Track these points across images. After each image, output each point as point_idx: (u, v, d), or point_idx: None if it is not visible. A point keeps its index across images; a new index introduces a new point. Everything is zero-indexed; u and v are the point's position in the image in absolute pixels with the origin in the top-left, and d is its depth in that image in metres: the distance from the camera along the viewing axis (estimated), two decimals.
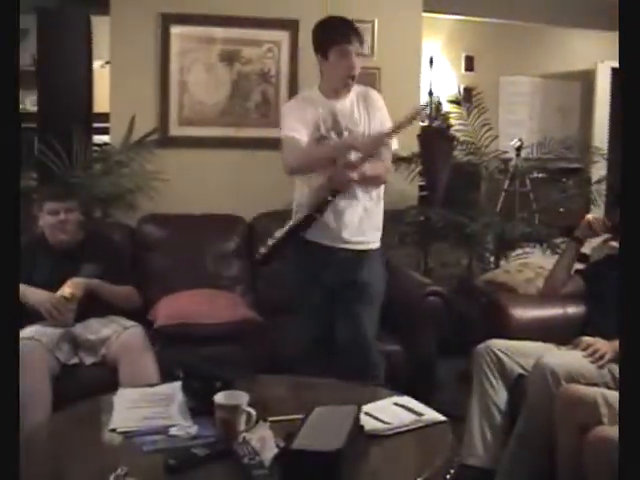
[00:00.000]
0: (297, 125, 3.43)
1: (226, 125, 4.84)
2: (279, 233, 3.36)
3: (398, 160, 4.79)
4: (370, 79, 4.96)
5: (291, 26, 4.85)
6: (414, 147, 4.81)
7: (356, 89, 3.51)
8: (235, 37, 4.83)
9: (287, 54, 4.88)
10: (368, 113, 3.50)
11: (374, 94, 3.57)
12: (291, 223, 3.39)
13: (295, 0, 4.88)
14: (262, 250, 3.38)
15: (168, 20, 4.71)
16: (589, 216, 3.66)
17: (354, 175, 3.29)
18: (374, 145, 3.36)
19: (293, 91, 4.86)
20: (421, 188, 5.11)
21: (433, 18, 6.74)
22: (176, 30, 4.75)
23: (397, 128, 3.30)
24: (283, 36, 4.87)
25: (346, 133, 3.44)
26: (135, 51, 4.74)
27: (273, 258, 3.39)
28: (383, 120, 3.50)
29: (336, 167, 3.30)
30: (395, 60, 5.00)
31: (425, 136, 4.83)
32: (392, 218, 4.29)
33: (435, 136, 4.92)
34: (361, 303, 3.44)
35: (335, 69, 3.44)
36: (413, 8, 5.07)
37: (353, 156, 3.32)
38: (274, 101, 4.88)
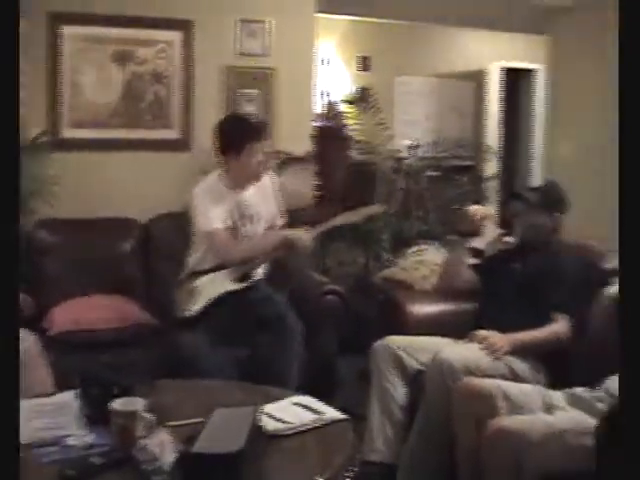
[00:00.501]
0: (216, 217, 3.68)
1: (119, 126, 4.75)
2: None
3: (292, 160, 4.81)
4: (265, 79, 4.96)
5: (185, 26, 4.80)
6: (308, 147, 4.83)
7: None
8: (128, 37, 4.74)
9: (180, 54, 4.81)
10: (265, 200, 3.87)
11: (268, 181, 3.87)
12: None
13: (190, 0, 4.82)
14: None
15: (57, 19, 4.59)
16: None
17: None
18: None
19: (188, 92, 4.81)
20: (316, 188, 5.12)
21: (327, 19, 6.78)
22: (66, 30, 4.62)
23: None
24: (176, 36, 4.81)
25: (249, 223, 3.79)
26: (24, 52, 4.59)
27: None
28: (275, 204, 3.90)
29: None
30: (290, 60, 5.01)
31: (319, 136, 4.85)
32: (289, 218, 4.30)
33: (329, 136, 4.95)
34: None
35: (247, 167, 3.70)
36: (307, 8, 5.09)
37: None
38: (168, 102, 4.82)
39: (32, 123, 4.55)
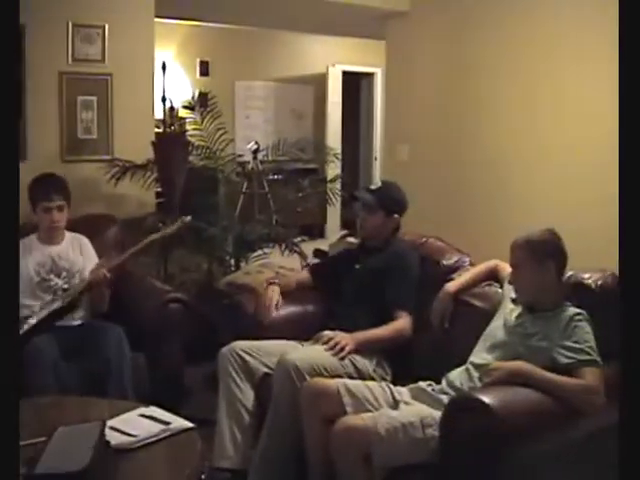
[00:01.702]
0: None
1: None
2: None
3: (134, 167, 4.74)
4: (101, 85, 4.86)
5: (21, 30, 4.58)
6: (149, 154, 4.76)
7: (69, 235, 4.04)
8: None
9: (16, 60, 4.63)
10: (83, 255, 4.01)
11: (85, 240, 4.10)
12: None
13: (23, 4, 4.61)
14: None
15: None
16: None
17: None
18: None
19: (20, 99, 4.61)
20: (158, 195, 5.06)
21: (167, 23, 6.73)
22: None
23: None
24: None
25: (64, 273, 3.91)
26: None
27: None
28: (93, 260, 3.99)
29: None
30: (128, 65, 4.91)
31: (160, 142, 4.79)
32: (130, 226, 4.25)
33: (170, 142, 4.89)
34: None
35: (42, 222, 3.92)
36: (145, 13, 4.99)
37: None
38: None
39: None
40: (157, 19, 5.20)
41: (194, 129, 5.27)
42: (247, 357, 3.35)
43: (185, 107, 5.55)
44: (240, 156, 5.61)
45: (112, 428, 2.45)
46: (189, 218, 4.03)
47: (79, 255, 4.01)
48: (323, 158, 6.79)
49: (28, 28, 4.56)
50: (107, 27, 4.84)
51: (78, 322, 3.86)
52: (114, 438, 2.40)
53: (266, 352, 3.38)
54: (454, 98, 5.74)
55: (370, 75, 10.16)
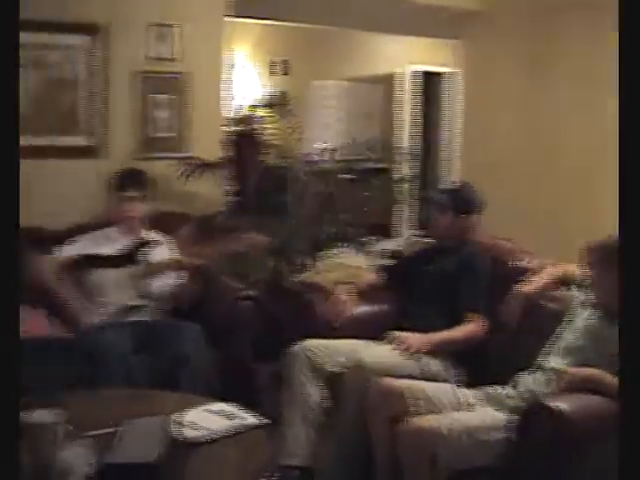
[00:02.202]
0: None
1: (26, 134, 4.59)
2: None
3: (206, 165, 4.78)
4: (174, 84, 4.92)
5: (93, 30, 4.68)
6: (221, 152, 4.81)
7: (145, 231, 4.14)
8: (36, 42, 4.61)
9: (89, 60, 4.71)
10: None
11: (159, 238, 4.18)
12: None
13: (96, 4, 4.74)
14: None
15: None
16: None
17: None
18: None
19: (100, 98, 4.73)
20: (229, 193, 5.10)
21: (242, 23, 6.77)
22: None
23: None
24: (85, 41, 4.70)
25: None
26: None
27: None
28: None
29: None
30: (201, 64, 4.97)
31: (232, 141, 4.84)
32: (202, 224, 4.31)
33: (242, 141, 4.94)
34: None
35: (119, 213, 4.09)
36: (218, 12, 5.04)
37: None
38: (77, 108, 4.71)
39: None
40: (232, 18, 5.23)
41: (266, 128, 5.30)
42: (316, 355, 3.36)
43: (259, 106, 5.59)
44: (311, 155, 5.62)
45: (182, 422, 2.47)
46: (266, 240, 4.05)
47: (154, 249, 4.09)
48: (394, 158, 6.76)
49: (106, 28, 4.68)
50: (181, 26, 4.90)
51: (148, 318, 3.95)
52: (184, 432, 2.42)
53: (335, 351, 3.39)
54: (534, 98, 5.68)
55: (442, 75, 10.08)
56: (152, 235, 4.13)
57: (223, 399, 2.78)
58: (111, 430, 2.38)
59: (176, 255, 4.11)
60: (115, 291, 3.92)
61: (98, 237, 4.06)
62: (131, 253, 3.98)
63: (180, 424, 2.46)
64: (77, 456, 2.22)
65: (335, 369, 3.34)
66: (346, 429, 3.16)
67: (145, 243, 4.02)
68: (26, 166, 4.52)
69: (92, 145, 4.74)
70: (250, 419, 2.60)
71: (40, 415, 2.31)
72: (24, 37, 4.46)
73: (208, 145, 4.91)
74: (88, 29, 4.70)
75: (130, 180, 4.09)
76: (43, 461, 2.19)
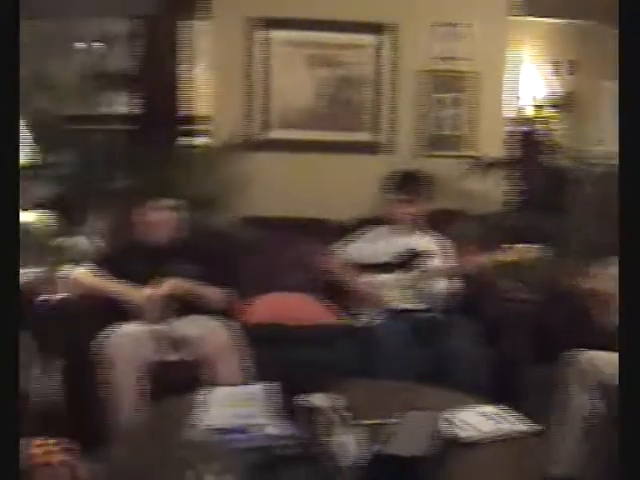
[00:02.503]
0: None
1: (319, 129, 4.88)
2: None
3: (487, 164, 4.75)
4: (463, 83, 4.94)
5: (383, 30, 4.85)
6: (502, 151, 4.77)
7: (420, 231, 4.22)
8: (326, 41, 4.85)
9: (378, 58, 4.87)
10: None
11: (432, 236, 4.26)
12: None
13: (386, 4, 4.87)
14: None
15: (261, 25, 4.78)
16: None
17: None
18: None
19: (386, 96, 4.87)
20: (510, 193, 5.04)
21: (526, 21, 6.64)
22: (268, 34, 4.81)
23: None
24: (374, 40, 4.86)
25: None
26: (229, 55, 4.81)
27: None
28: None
29: None
30: (488, 64, 4.94)
31: (515, 140, 4.78)
32: (479, 223, 4.30)
33: (528, 140, 4.87)
34: None
35: (394, 213, 4.20)
36: (504, 10, 5.00)
37: None
38: (365, 105, 4.89)
39: (235, 124, 4.76)
40: (518, 17, 5.14)
41: (550, 129, 5.18)
42: (590, 365, 3.25)
43: (542, 106, 5.47)
44: (607, 159, 5.41)
45: (453, 420, 2.49)
46: (538, 252, 3.97)
47: (427, 241, 4.19)
48: None
49: (395, 27, 4.79)
50: (467, 25, 4.90)
51: (428, 312, 4.01)
52: (454, 430, 2.43)
53: (610, 362, 3.25)
54: None
55: None
56: (426, 239, 4.19)
57: (494, 400, 2.76)
58: (385, 421, 2.44)
59: (449, 262, 4.12)
60: (389, 292, 4.03)
61: (374, 236, 4.19)
62: (404, 262, 4.07)
63: (450, 422, 2.47)
64: (350, 442, 2.29)
65: (608, 380, 3.21)
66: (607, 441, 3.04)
67: (418, 254, 4.08)
68: (315, 159, 4.83)
69: (378, 141, 4.89)
70: (520, 425, 2.56)
71: (317, 399, 2.43)
72: (317, 36, 4.77)
73: (491, 144, 4.89)
74: (378, 29, 4.84)
75: (405, 183, 4.17)
76: (318, 444, 2.29)
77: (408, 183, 4.16)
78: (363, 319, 3.92)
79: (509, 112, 5.08)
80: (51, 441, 3.04)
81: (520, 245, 3.87)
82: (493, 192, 4.89)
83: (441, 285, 4.05)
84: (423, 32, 4.87)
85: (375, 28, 4.85)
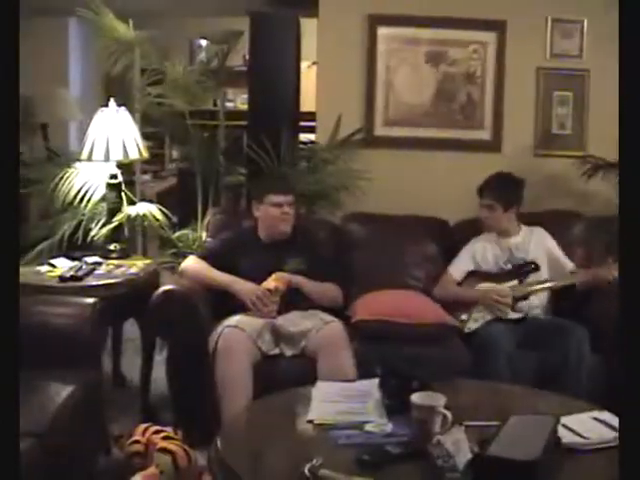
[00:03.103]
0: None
1: (431, 126, 4.84)
2: None
3: (607, 165, 4.63)
4: (577, 81, 4.83)
5: (498, 27, 4.78)
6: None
7: (525, 228, 4.17)
8: (441, 38, 4.81)
9: (493, 55, 4.80)
10: (536, 245, 4.09)
11: (539, 230, 4.16)
12: None
13: (502, 0, 4.80)
14: None
15: (375, 21, 4.77)
16: None
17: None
18: None
19: (499, 93, 4.80)
20: None
21: None
22: (383, 31, 4.80)
23: None
24: (489, 37, 4.80)
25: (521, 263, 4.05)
26: (341, 52, 4.83)
27: None
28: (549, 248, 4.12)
29: None
30: (604, 61, 4.80)
31: None
32: (597, 226, 4.19)
33: None
34: None
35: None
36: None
37: None
38: (479, 103, 4.83)
39: (349, 120, 4.78)
40: None
41: None
42: None
43: None
44: None
45: (564, 426, 2.43)
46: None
47: (533, 245, 4.08)
48: None
49: (510, 24, 4.72)
50: (585, 22, 4.79)
51: (537, 318, 3.94)
52: (564, 436, 2.38)
53: None
54: None
55: None
56: (532, 245, 4.11)
57: (607, 407, 2.68)
58: (492, 423, 2.41)
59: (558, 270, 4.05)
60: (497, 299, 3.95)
61: (481, 244, 4.13)
62: (511, 273, 4.02)
63: (563, 427, 2.42)
64: (456, 442, 2.27)
65: None
66: None
67: (525, 265, 4.02)
68: (429, 157, 4.80)
69: (492, 140, 4.83)
70: None
71: (426, 397, 2.42)
72: (429, 33, 4.75)
73: (610, 144, 4.75)
74: (493, 25, 4.78)
75: (491, 186, 4.09)
76: (425, 442, 2.28)
77: (492, 187, 4.08)
78: (471, 323, 3.87)
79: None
80: (155, 428, 3.14)
81: None
82: (611, 194, 4.76)
83: (549, 292, 3.96)
84: (540, 28, 4.77)
85: (491, 25, 4.79)
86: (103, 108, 4.30)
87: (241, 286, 3.71)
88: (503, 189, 4.08)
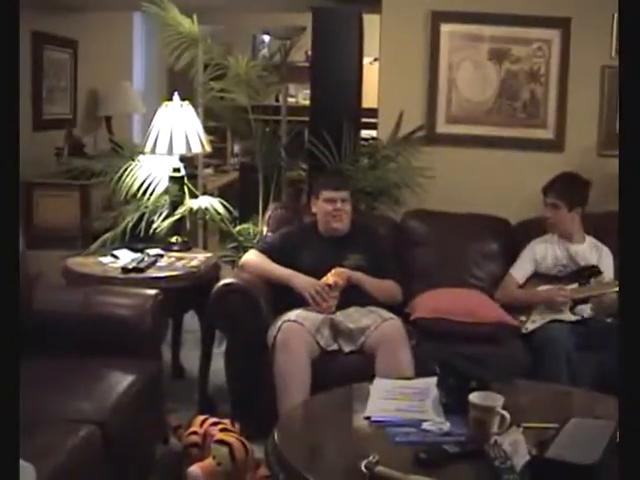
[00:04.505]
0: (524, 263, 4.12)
1: (493, 124, 4.81)
2: None
3: None
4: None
5: (562, 24, 4.72)
6: None
7: (591, 240, 4.13)
8: (504, 35, 4.77)
9: (557, 53, 4.75)
10: (599, 261, 4.04)
11: (606, 250, 4.08)
12: None
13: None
14: None
15: (438, 18, 4.76)
16: None
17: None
18: None
19: (563, 92, 4.75)
20: None
21: None
22: (446, 28, 4.78)
23: None
24: (553, 34, 4.74)
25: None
26: (404, 48, 4.82)
27: None
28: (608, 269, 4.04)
29: None
30: None
31: None
32: None
33: None
34: None
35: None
36: None
37: None
38: (543, 101, 4.78)
39: (410, 117, 4.76)
40: None
41: None
42: None
43: None
44: None
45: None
46: None
47: (596, 259, 4.04)
48: None
49: (575, 21, 4.66)
50: None
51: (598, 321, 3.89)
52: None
53: None
54: None
55: None
56: (594, 248, 4.08)
57: None
58: (550, 425, 2.39)
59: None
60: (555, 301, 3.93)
61: (540, 247, 4.10)
62: (573, 275, 3.98)
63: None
64: (514, 443, 2.26)
65: None
66: None
67: (589, 268, 3.98)
68: (492, 156, 4.76)
69: (555, 139, 4.78)
70: None
71: (484, 397, 2.41)
72: (492, 30, 4.71)
73: None
74: (558, 23, 4.73)
75: (557, 185, 4.05)
76: (482, 442, 2.27)
77: (558, 187, 4.04)
78: (530, 324, 3.84)
79: None
80: (213, 420, 3.18)
81: None
82: None
83: (612, 295, 3.90)
84: (605, 25, 4.69)
85: (555, 22, 4.73)
86: (167, 102, 4.36)
87: (300, 280, 3.73)
88: (569, 189, 4.04)
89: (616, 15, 4.63)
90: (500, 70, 4.78)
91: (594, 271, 3.95)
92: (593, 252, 4.07)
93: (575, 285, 3.92)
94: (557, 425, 2.35)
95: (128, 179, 4.50)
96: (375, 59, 5.67)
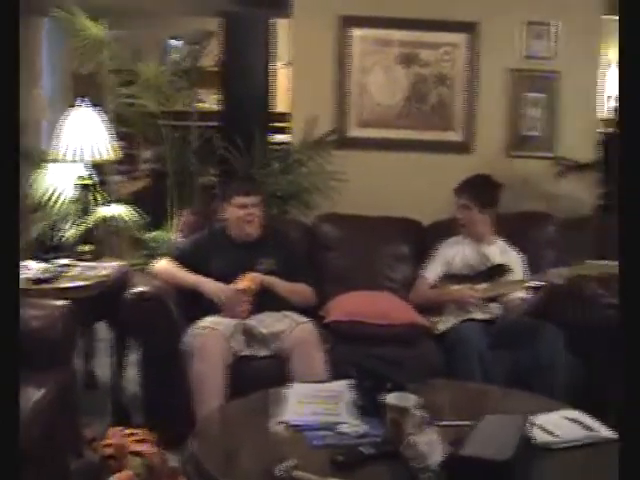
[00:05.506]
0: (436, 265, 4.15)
1: (404, 127, 4.86)
2: None
3: (577, 166, 4.67)
4: (549, 83, 4.87)
5: (470, 28, 4.81)
6: (593, 154, 4.69)
7: (501, 243, 4.17)
8: (413, 40, 4.83)
9: (464, 57, 4.83)
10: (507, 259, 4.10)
11: (513, 254, 4.15)
12: None
13: (474, 2, 4.82)
14: None
15: (348, 23, 4.78)
16: None
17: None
18: None
19: (471, 95, 4.83)
20: (600, 197, 4.94)
21: (615, 20, 6.50)
22: (356, 32, 4.81)
23: None
24: (461, 39, 4.83)
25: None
26: (315, 53, 4.83)
27: None
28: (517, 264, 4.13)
29: None
30: (575, 64, 4.85)
31: (605, 143, 4.69)
32: (567, 227, 4.22)
33: (614, 143, 4.76)
34: None
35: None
36: (593, 10, 4.86)
37: None
38: (451, 104, 4.86)
39: (322, 121, 4.77)
40: (606, 16, 5.02)
41: None
42: None
43: None
44: None
45: (536, 425, 2.45)
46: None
47: (505, 262, 4.08)
48: None
49: (482, 25, 4.75)
50: (559, 25, 4.82)
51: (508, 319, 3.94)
52: (536, 435, 2.39)
53: None
54: None
55: None
56: (503, 248, 4.14)
57: (583, 408, 2.70)
58: (465, 423, 2.42)
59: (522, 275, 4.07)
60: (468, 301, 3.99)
61: (451, 248, 4.14)
62: (483, 275, 4.04)
63: (536, 427, 2.44)
64: (430, 443, 2.27)
65: None
66: None
67: (498, 267, 4.04)
68: (402, 159, 4.81)
69: (464, 141, 4.86)
70: (606, 432, 2.50)
71: (399, 398, 2.42)
72: (401, 35, 4.76)
73: (580, 146, 4.80)
74: (465, 27, 4.81)
75: (468, 186, 4.10)
76: (398, 443, 2.28)
77: (470, 188, 4.10)
78: (442, 324, 3.90)
79: (595, 113, 4.97)
80: (128, 431, 3.12)
81: (599, 262, 3.75)
82: (582, 195, 4.81)
83: (520, 294, 3.98)
84: (512, 30, 4.80)
85: (463, 26, 4.81)
86: (72, 108, 4.27)
87: (210, 286, 3.70)
88: (480, 190, 4.09)
89: (523, 20, 4.74)
90: (409, 74, 4.83)
91: (503, 270, 4.01)
92: (503, 256, 4.12)
93: (485, 284, 3.99)
94: (471, 422, 2.37)
95: (35, 187, 4.40)
96: (287, 63, 5.67)
